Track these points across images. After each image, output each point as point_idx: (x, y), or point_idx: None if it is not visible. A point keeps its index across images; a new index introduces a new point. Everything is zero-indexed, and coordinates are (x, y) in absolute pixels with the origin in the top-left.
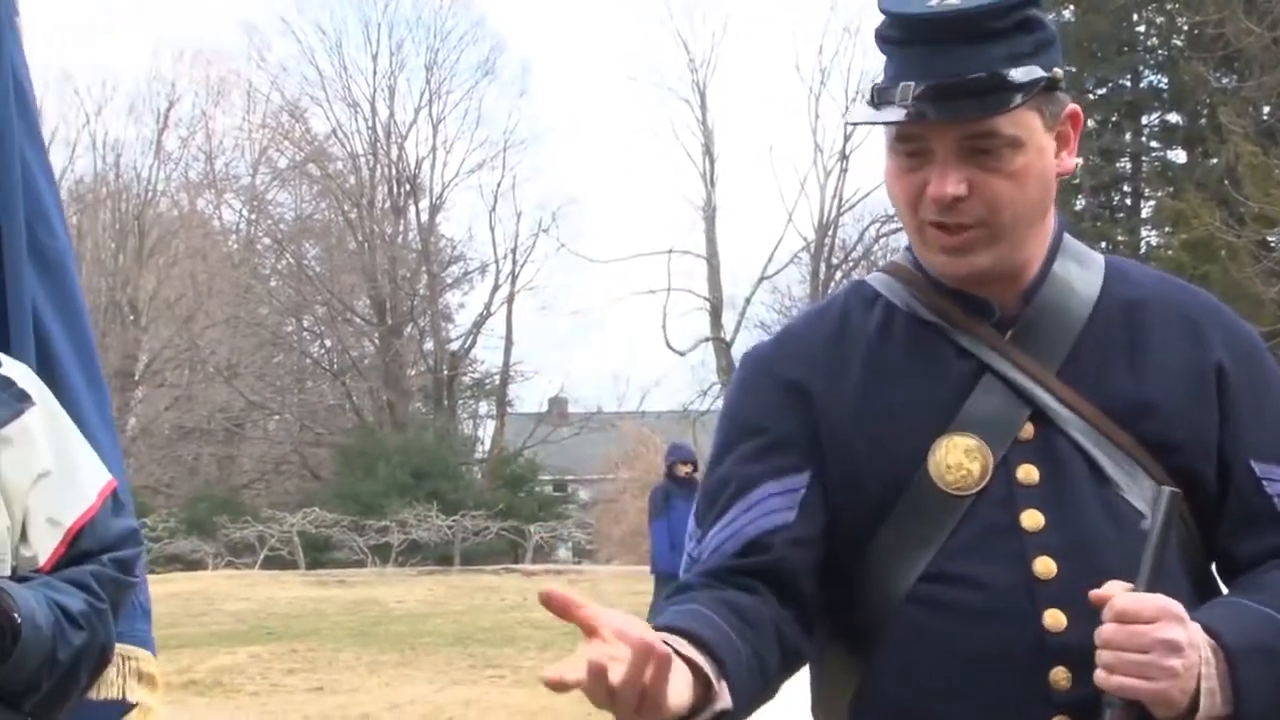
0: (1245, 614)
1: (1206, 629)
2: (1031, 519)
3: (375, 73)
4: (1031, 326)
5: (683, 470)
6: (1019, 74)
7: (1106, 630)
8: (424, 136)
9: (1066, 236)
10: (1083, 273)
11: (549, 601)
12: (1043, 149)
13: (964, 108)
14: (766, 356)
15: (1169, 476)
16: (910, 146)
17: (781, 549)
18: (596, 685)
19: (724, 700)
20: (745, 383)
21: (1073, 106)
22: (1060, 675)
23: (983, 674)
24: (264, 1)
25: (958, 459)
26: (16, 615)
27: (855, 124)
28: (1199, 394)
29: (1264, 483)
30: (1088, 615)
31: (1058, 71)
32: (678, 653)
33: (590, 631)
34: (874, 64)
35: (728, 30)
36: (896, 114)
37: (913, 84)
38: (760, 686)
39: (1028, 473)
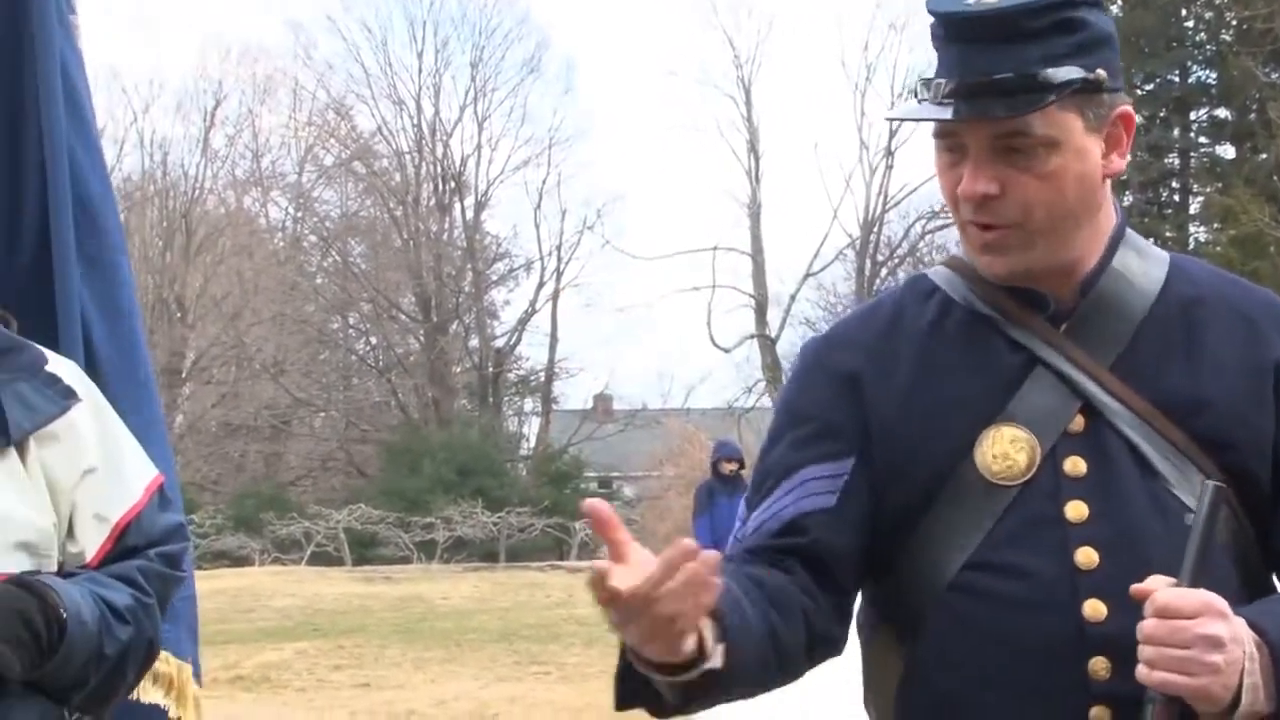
0: None
1: (1252, 624)
2: (1075, 510)
3: (420, 70)
4: (1086, 320)
5: (728, 468)
6: (1053, 74)
7: (1148, 625)
8: (469, 134)
9: (1130, 232)
10: (1144, 268)
11: (592, 511)
12: (1083, 150)
13: (992, 106)
14: (820, 348)
15: (1221, 474)
16: (948, 142)
17: (819, 531)
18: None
19: (714, 660)
20: (799, 373)
21: (1124, 108)
22: (1099, 665)
23: (1023, 663)
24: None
25: (1004, 449)
26: (63, 611)
27: (891, 119)
28: (1255, 392)
29: None
30: (1128, 607)
31: (1101, 73)
32: None
33: (618, 556)
34: (920, 60)
35: (773, 26)
36: (927, 110)
37: (944, 81)
38: (773, 661)
39: (1075, 464)
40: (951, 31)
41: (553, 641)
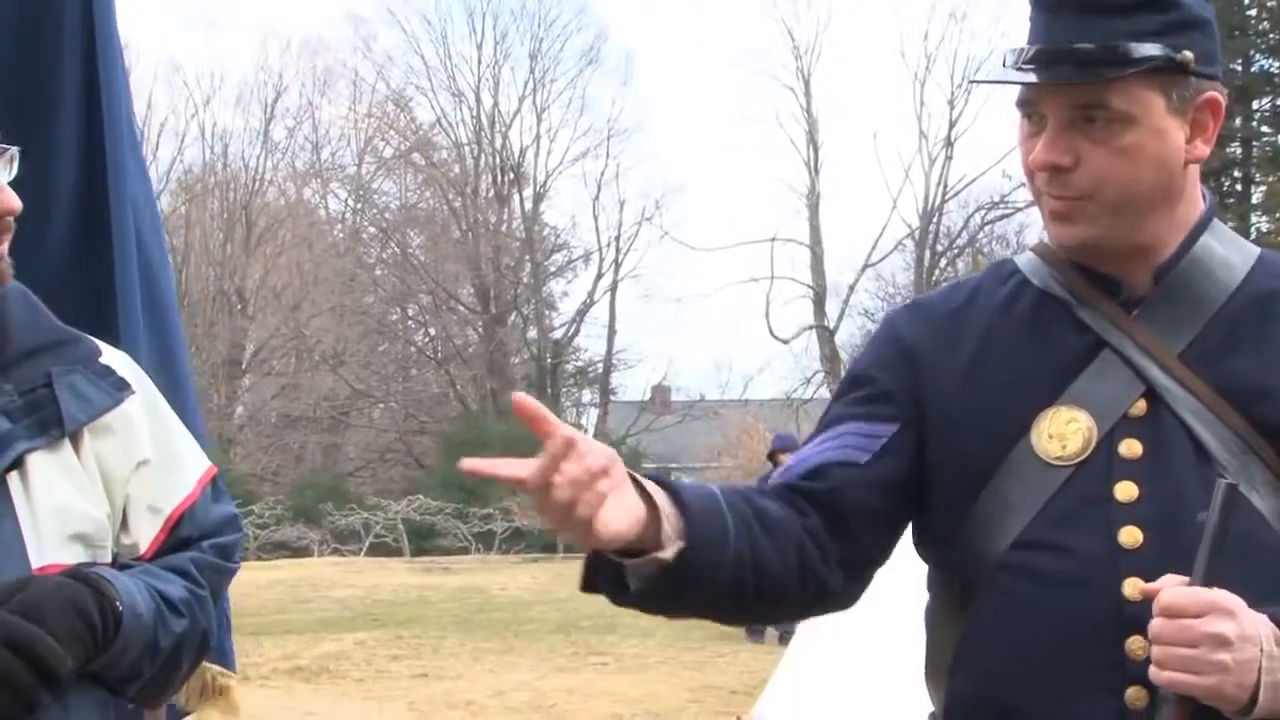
0: None
1: (1274, 619)
2: (1125, 490)
3: (480, 62)
4: (1159, 305)
5: (785, 458)
6: (1134, 49)
7: (1155, 625)
8: (528, 125)
9: (1217, 222)
10: (1226, 258)
11: (519, 409)
12: (1162, 131)
13: (1067, 74)
14: (894, 319)
15: (1277, 456)
16: (1028, 110)
17: (841, 482)
18: (541, 480)
19: (666, 552)
20: (873, 340)
21: (1212, 93)
22: (1137, 645)
23: (1063, 641)
24: None
25: (1060, 430)
26: (118, 603)
27: (974, 82)
28: None
29: None
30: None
31: (1188, 54)
32: (643, 491)
33: (549, 441)
34: (981, 50)
35: (832, 17)
36: (1005, 74)
37: (1025, 48)
38: (750, 583)
39: (1130, 447)
40: (1042, 0)
41: (610, 632)
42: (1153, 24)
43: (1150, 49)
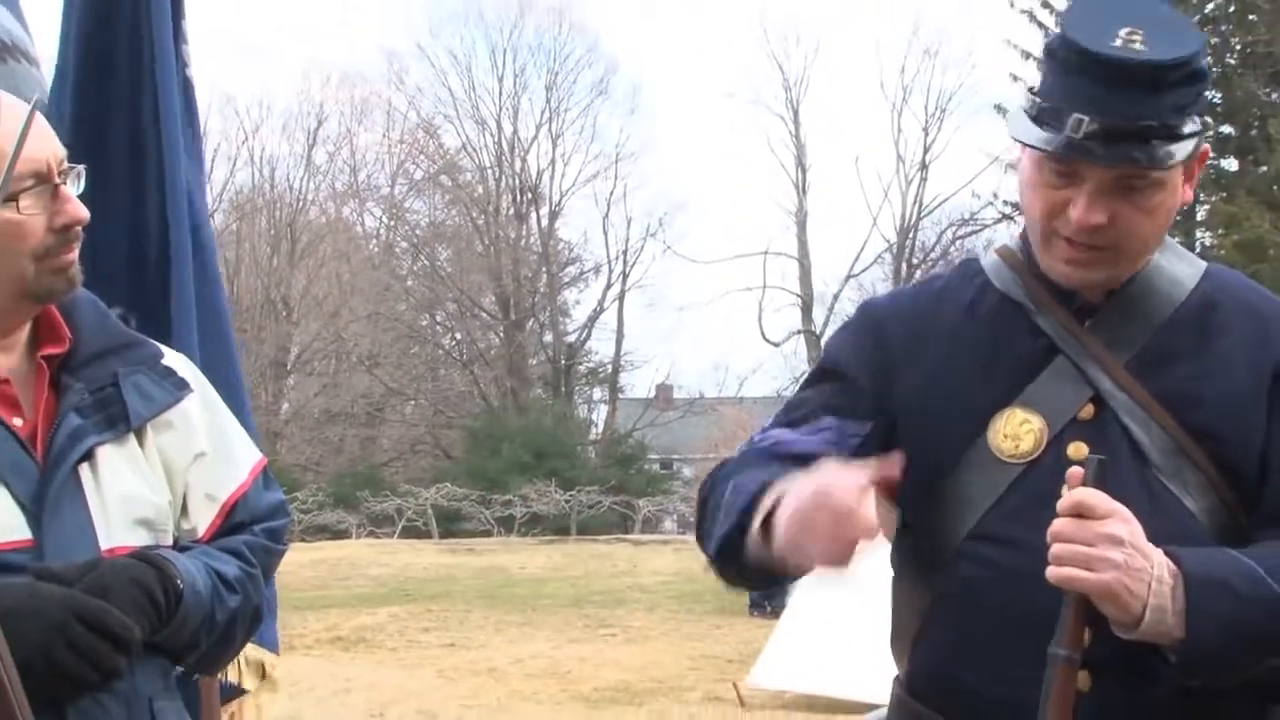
0: (1218, 554)
1: (1171, 555)
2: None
3: (501, 93)
4: (1110, 317)
5: None
6: (1184, 125)
7: (1058, 524)
8: (544, 150)
9: (1168, 238)
10: (1175, 274)
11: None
12: (1176, 187)
13: (1133, 155)
14: (873, 313)
15: (1212, 465)
16: (1063, 168)
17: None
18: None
19: None
20: (852, 326)
21: (1206, 146)
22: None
23: (1016, 630)
24: (402, 29)
25: (1014, 430)
26: (180, 582)
27: (1021, 141)
28: (1254, 391)
29: None
30: None
31: (1208, 120)
32: None
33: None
34: (950, 82)
35: (819, 52)
36: (1063, 143)
37: (1086, 119)
38: None
39: (1078, 449)
40: (1095, 70)
41: (619, 607)
42: (1192, 95)
43: (1193, 124)
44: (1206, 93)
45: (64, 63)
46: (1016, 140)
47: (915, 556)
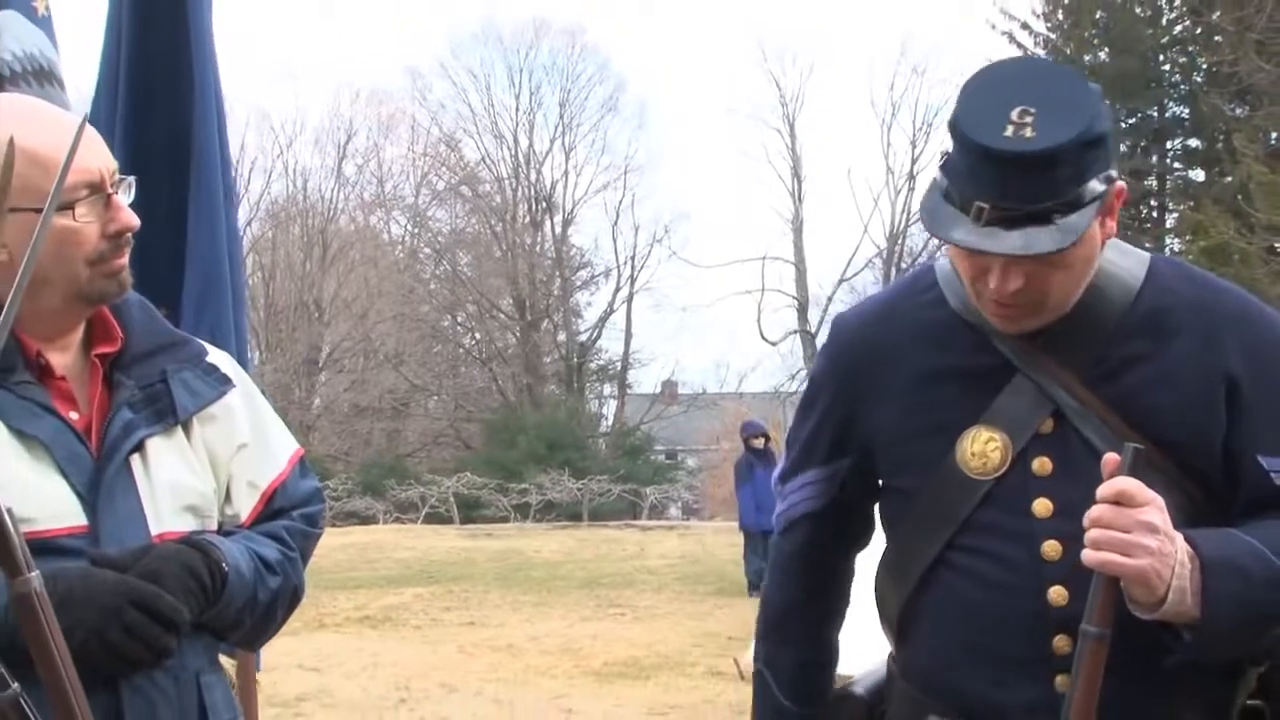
0: (1229, 537)
1: (1188, 539)
2: (1042, 506)
3: (517, 109)
4: (1060, 333)
5: (755, 442)
6: (1084, 192)
7: (1097, 510)
8: (558, 162)
9: (1108, 249)
10: (1121, 277)
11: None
12: (1093, 235)
13: (1036, 239)
14: (840, 335)
15: (1172, 466)
16: (978, 254)
17: (811, 528)
18: None
19: None
20: (827, 353)
21: (1119, 184)
22: (1062, 642)
23: (996, 636)
24: (426, 50)
25: (981, 448)
26: (224, 565)
27: (938, 237)
28: (1206, 398)
29: (1271, 475)
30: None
31: (1113, 173)
32: None
33: None
34: (937, 99)
35: (813, 70)
36: (968, 237)
37: (986, 207)
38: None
39: (1042, 464)
40: (989, 160)
41: (627, 588)
42: (1090, 159)
43: (1094, 188)
44: (1108, 150)
45: (110, 81)
46: (934, 235)
47: (897, 560)
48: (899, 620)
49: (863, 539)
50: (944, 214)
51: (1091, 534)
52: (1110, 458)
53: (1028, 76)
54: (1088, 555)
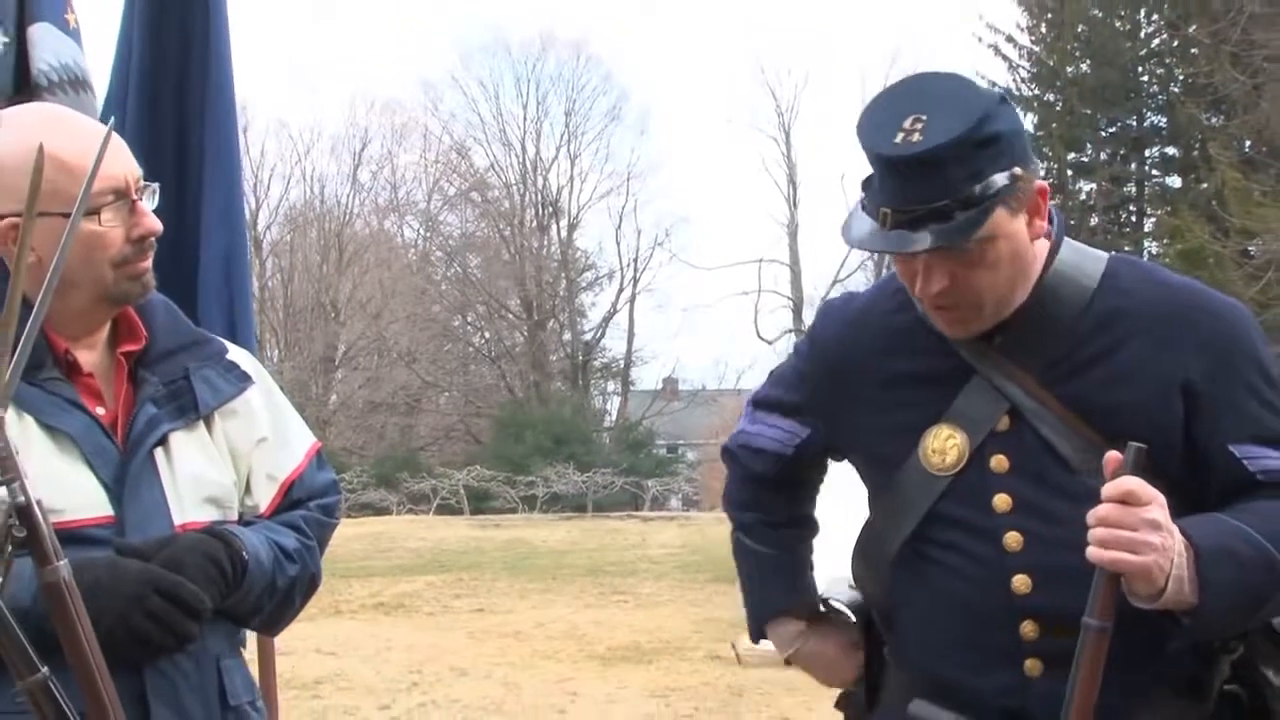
0: (1219, 524)
1: (1182, 530)
2: (1002, 501)
3: (525, 119)
4: (1016, 333)
5: None
6: (981, 189)
7: (1104, 510)
8: (564, 169)
9: (1064, 250)
10: (1077, 278)
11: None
12: (1013, 233)
13: (940, 232)
14: (829, 332)
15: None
16: (900, 256)
17: (772, 461)
18: None
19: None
20: (814, 338)
21: (1039, 183)
22: (1029, 628)
23: (967, 624)
24: (438, 62)
25: (941, 445)
26: (245, 554)
27: (851, 245)
28: (1163, 396)
29: (1244, 461)
30: (1049, 580)
31: (1018, 169)
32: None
33: None
34: None
35: (808, 82)
36: (878, 241)
37: (890, 211)
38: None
39: (999, 462)
40: (883, 167)
41: (630, 576)
42: (985, 160)
43: (992, 183)
44: (1012, 148)
45: (120, 92)
46: (849, 245)
47: (867, 548)
48: (882, 608)
49: (820, 475)
50: (857, 224)
51: (1098, 533)
52: (1113, 456)
53: (923, 87)
54: (1095, 554)
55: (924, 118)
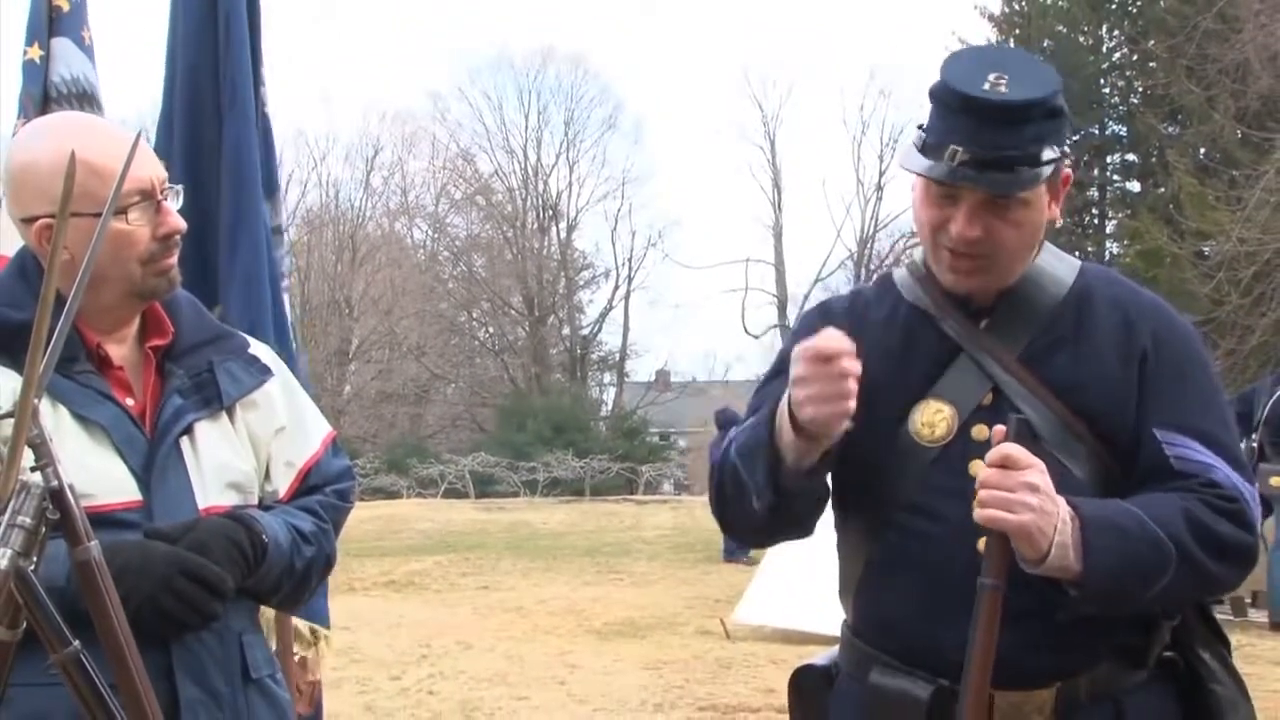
0: (1110, 503)
1: (1070, 503)
2: (978, 467)
3: (527, 127)
4: (1001, 317)
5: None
6: (1044, 154)
7: (985, 473)
8: (563, 175)
9: (1047, 249)
10: (1054, 275)
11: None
12: (1042, 206)
13: (999, 180)
14: (815, 321)
15: (1094, 438)
16: (945, 192)
17: None
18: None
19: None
20: (794, 335)
21: (1067, 170)
22: None
23: (934, 581)
24: (446, 74)
25: (930, 419)
26: (265, 536)
27: (909, 170)
28: (1123, 374)
29: (1164, 445)
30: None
31: (1067, 149)
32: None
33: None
34: (903, 118)
35: (791, 93)
36: (944, 171)
37: (960, 149)
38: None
39: (980, 431)
40: (966, 107)
41: (625, 556)
42: (1050, 129)
43: (1051, 153)
44: (1065, 129)
45: (169, 106)
46: (905, 169)
47: (853, 525)
48: (855, 584)
49: None
50: (918, 159)
51: (980, 494)
52: (999, 428)
53: (1003, 53)
54: (977, 513)
55: (1005, 77)
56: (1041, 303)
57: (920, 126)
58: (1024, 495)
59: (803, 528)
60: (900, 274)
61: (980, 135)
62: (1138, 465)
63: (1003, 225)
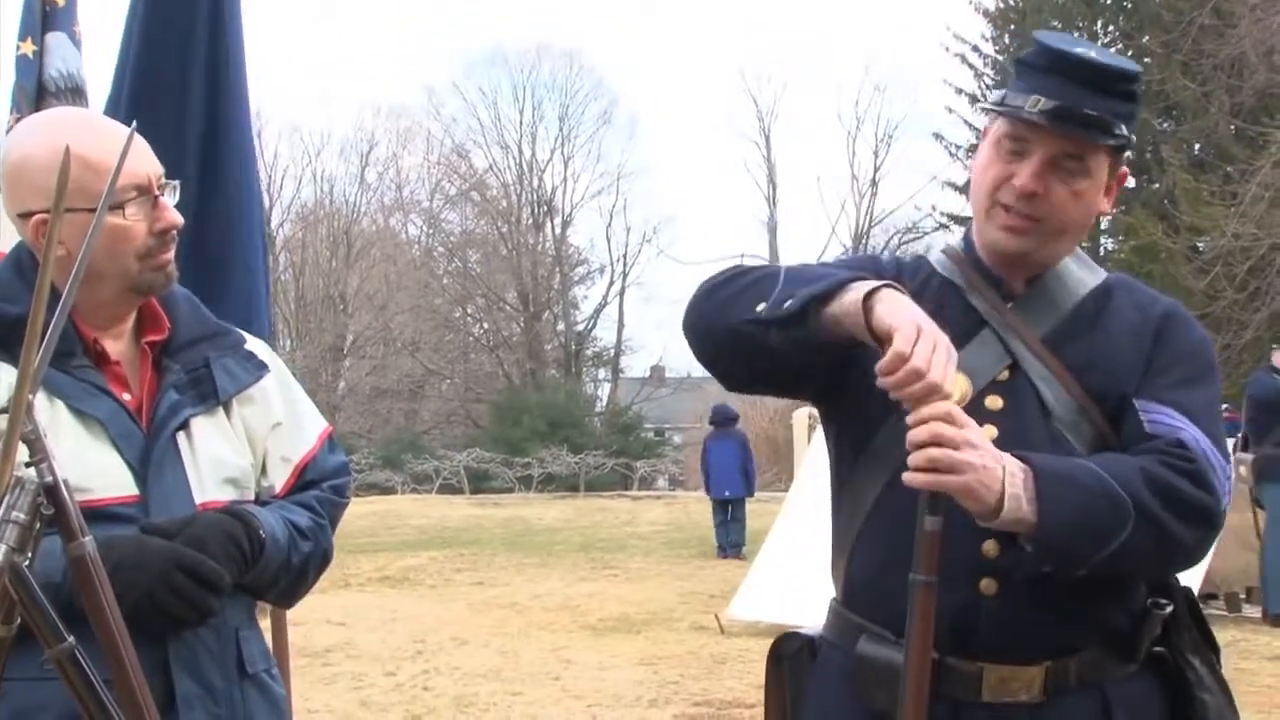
0: (1064, 459)
1: (1021, 457)
2: (989, 432)
3: (521, 123)
4: (1029, 301)
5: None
6: (1117, 126)
7: (915, 433)
8: (557, 170)
9: (1077, 255)
10: (1080, 277)
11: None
12: (1100, 186)
13: (1079, 130)
14: (864, 265)
15: (1104, 421)
16: (1016, 146)
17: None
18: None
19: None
20: (847, 263)
21: (1124, 169)
22: (990, 547)
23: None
24: (440, 70)
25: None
26: (261, 532)
27: (990, 108)
28: (1135, 357)
29: (1140, 412)
30: None
31: (1133, 139)
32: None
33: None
34: (897, 114)
35: (786, 89)
36: (1023, 112)
37: (1042, 99)
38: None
39: (994, 401)
40: (1058, 65)
41: (619, 551)
42: (1126, 109)
43: (1122, 130)
44: (1135, 120)
45: (118, 92)
46: (988, 109)
47: (855, 485)
48: (849, 550)
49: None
50: (1012, 100)
51: (913, 458)
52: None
53: (1087, 43)
54: (909, 478)
55: (1093, 52)
56: (1066, 294)
57: (1001, 94)
58: (964, 454)
59: (749, 372)
60: (938, 257)
61: (1065, 90)
62: (1121, 437)
63: (1063, 189)
